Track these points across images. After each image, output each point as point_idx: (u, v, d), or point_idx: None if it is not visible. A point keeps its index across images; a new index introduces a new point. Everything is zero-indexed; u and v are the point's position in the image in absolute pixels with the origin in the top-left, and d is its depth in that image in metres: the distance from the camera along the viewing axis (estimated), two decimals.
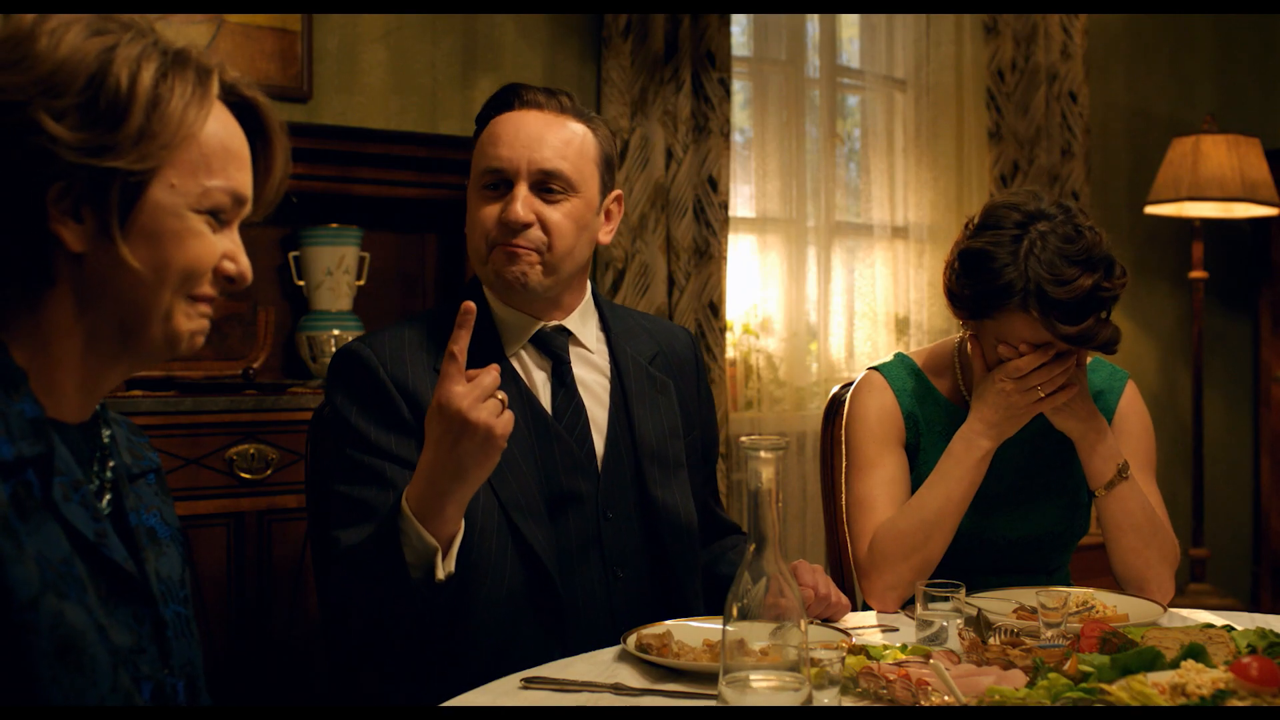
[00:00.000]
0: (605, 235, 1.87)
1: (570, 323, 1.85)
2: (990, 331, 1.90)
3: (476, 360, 1.57)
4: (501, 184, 1.77)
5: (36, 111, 1.05)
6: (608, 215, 1.87)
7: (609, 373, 1.88)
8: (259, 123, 1.19)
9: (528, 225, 1.75)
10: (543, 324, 1.82)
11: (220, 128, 1.14)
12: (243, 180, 1.17)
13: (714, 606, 1.99)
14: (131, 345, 1.14)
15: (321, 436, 1.91)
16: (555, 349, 1.83)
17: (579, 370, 1.85)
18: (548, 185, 1.76)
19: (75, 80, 1.06)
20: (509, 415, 1.53)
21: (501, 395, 1.53)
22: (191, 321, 1.15)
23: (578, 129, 1.81)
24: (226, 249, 1.16)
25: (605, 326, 1.91)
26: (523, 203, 1.75)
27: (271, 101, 1.21)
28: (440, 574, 1.55)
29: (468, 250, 1.84)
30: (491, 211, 1.77)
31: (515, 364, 1.81)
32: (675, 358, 1.97)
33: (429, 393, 1.66)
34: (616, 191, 1.88)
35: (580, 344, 1.86)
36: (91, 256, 1.09)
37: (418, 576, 1.55)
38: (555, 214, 1.76)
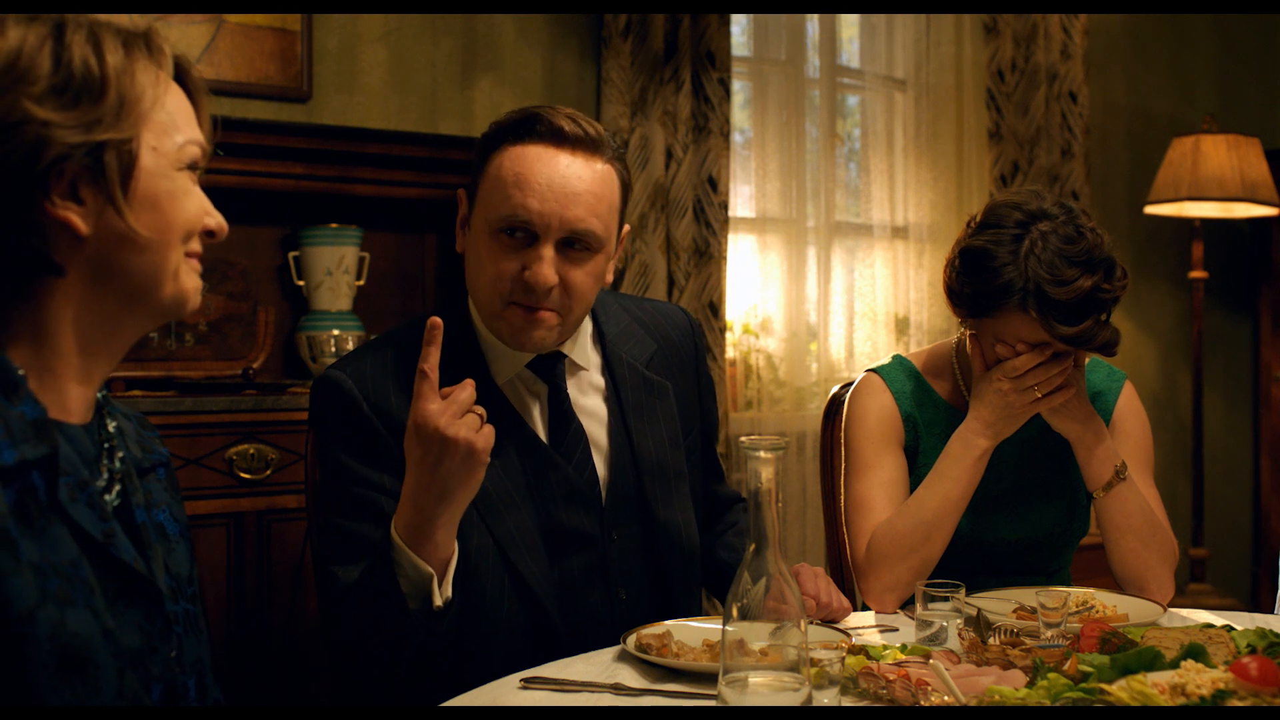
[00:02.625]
0: (610, 274, 1.75)
1: (567, 347, 1.76)
2: (989, 330, 1.90)
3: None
4: (523, 234, 1.63)
5: (20, 101, 1.06)
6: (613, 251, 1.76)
7: (604, 388, 1.81)
8: (183, 78, 1.22)
9: (552, 288, 1.63)
10: (537, 352, 1.73)
11: (172, 86, 1.18)
12: (199, 132, 1.20)
13: (709, 590, 1.99)
14: (140, 310, 1.16)
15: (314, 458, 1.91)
16: (551, 376, 1.75)
17: (575, 392, 1.78)
18: (573, 243, 1.64)
19: (39, 66, 1.08)
20: (489, 429, 1.49)
21: (480, 410, 1.49)
22: (192, 279, 1.18)
23: (606, 171, 1.67)
24: (205, 205, 1.20)
25: (600, 333, 1.83)
26: (550, 264, 1.62)
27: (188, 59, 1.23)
28: (438, 600, 1.52)
29: (470, 290, 1.72)
30: (509, 264, 1.64)
31: (507, 392, 1.73)
32: (673, 351, 1.90)
33: None
34: (625, 226, 1.76)
35: (577, 366, 1.78)
36: (95, 237, 1.10)
37: (416, 606, 1.52)
38: (579, 275, 1.65)
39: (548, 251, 1.63)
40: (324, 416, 1.70)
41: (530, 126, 1.65)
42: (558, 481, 1.73)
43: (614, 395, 1.81)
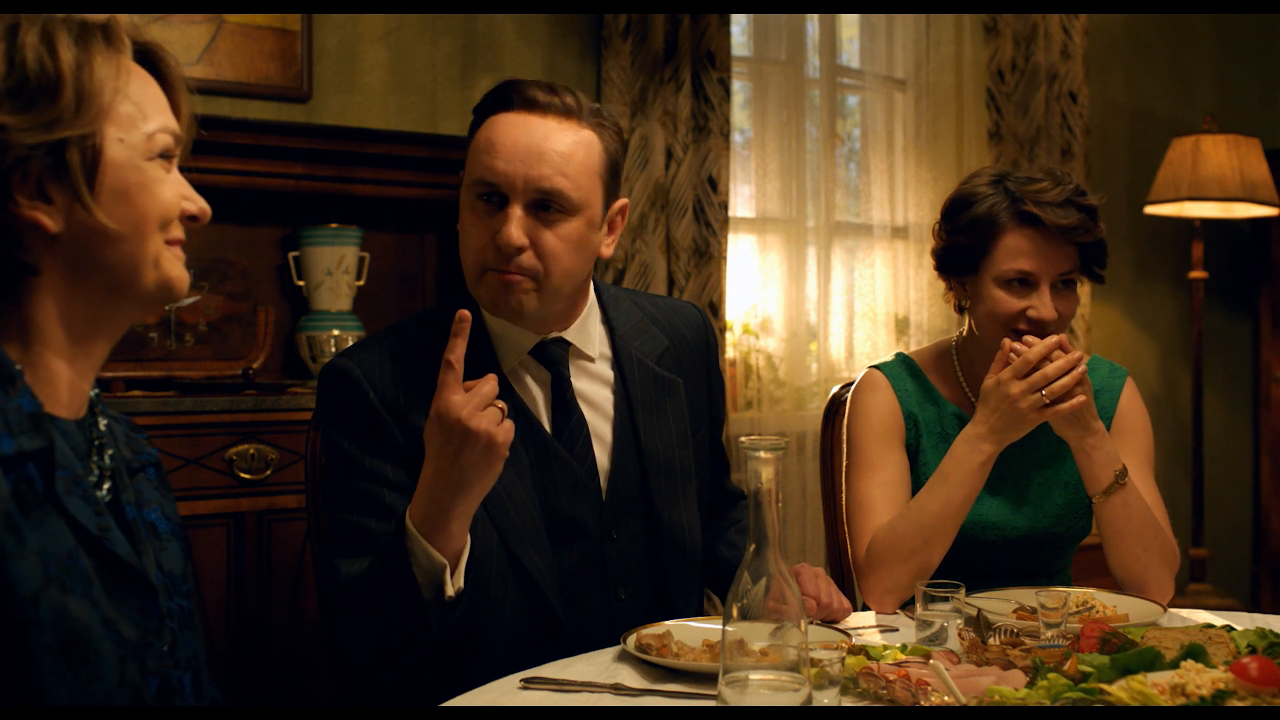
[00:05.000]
0: (607, 248, 1.75)
1: (570, 334, 1.76)
2: (988, 277, 1.93)
3: (471, 376, 1.53)
4: (495, 197, 1.65)
5: None
6: (611, 226, 1.75)
7: (613, 382, 1.80)
8: (156, 66, 1.21)
9: (521, 250, 1.64)
10: (541, 338, 1.74)
11: (138, 77, 1.17)
12: (172, 119, 1.19)
13: (710, 587, 1.98)
14: (125, 302, 1.16)
15: (317, 451, 1.91)
16: (554, 363, 1.75)
17: (581, 383, 1.77)
18: (545, 205, 1.64)
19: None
20: (509, 424, 1.51)
21: (501, 404, 1.50)
22: (176, 267, 1.18)
23: (583, 136, 1.67)
24: (183, 190, 1.19)
25: (609, 327, 1.83)
26: (517, 224, 1.63)
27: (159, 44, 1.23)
28: (450, 590, 1.53)
29: (461, 261, 1.74)
30: (484, 230, 1.66)
31: (512, 380, 1.73)
32: (685, 347, 1.88)
33: (419, 409, 1.59)
34: (622, 201, 1.76)
35: (582, 355, 1.78)
36: (68, 234, 1.11)
37: (428, 596, 1.53)
38: (552, 238, 1.65)
39: (515, 211, 1.64)
40: (330, 404, 1.71)
41: (505, 96, 1.68)
42: (560, 472, 1.72)
43: (622, 391, 1.80)
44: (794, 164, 3.75)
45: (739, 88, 3.72)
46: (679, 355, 1.88)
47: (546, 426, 1.74)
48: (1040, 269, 1.91)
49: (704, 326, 1.95)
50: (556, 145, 1.65)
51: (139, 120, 1.14)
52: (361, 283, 3.05)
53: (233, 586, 2.57)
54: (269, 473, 2.61)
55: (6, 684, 1.01)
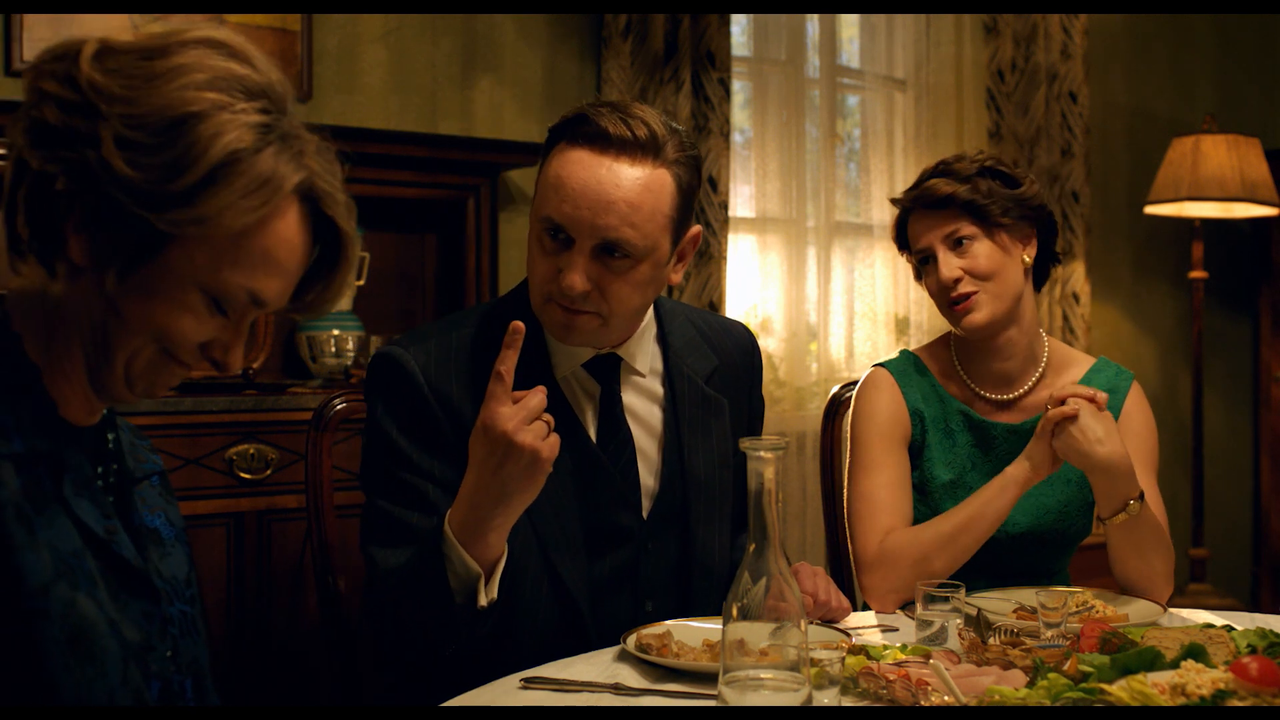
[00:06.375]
0: (676, 275, 1.72)
1: (625, 350, 1.74)
2: (932, 267, 2.03)
3: (524, 380, 1.52)
4: (561, 235, 1.61)
5: (101, 128, 1.03)
6: (681, 255, 1.71)
7: (662, 399, 1.79)
8: (335, 239, 1.18)
9: (585, 294, 1.61)
10: (597, 351, 1.72)
11: (272, 231, 1.10)
12: (271, 288, 1.12)
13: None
14: (93, 375, 1.11)
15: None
16: (606, 378, 1.74)
17: (631, 398, 1.76)
18: (611, 250, 1.60)
19: (160, 121, 1.03)
20: (555, 438, 1.49)
21: (548, 418, 1.49)
22: (158, 374, 1.12)
23: (654, 178, 1.61)
24: (223, 337, 1.13)
25: (664, 343, 1.82)
26: (580, 272, 1.59)
27: (353, 230, 1.18)
28: (483, 600, 1.52)
29: (528, 279, 1.71)
30: (549, 264, 1.63)
31: (563, 388, 1.72)
32: (732, 368, 1.88)
33: (472, 407, 1.57)
34: (695, 230, 1.71)
35: (634, 370, 1.76)
36: (87, 275, 1.08)
37: (460, 602, 1.52)
38: (617, 283, 1.62)
39: (579, 258, 1.60)
40: (380, 390, 1.69)
41: (578, 128, 1.62)
42: (603, 484, 1.72)
43: (671, 407, 1.80)
44: (794, 164, 3.75)
45: (739, 88, 3.72)
46: (726, 375, 1.87)
47: (593, 437, 1.73)
48: (928, 241, 2.02)
49: (752, 348, 1.94)
50: (625, 193, 1.59)
51: (227, 262, 1.07)
52: (361, 283, 3.05)
53: (233, 586, 2.57)
54: (269, 473, 2.61)
55: (16, 675, 1.01)
